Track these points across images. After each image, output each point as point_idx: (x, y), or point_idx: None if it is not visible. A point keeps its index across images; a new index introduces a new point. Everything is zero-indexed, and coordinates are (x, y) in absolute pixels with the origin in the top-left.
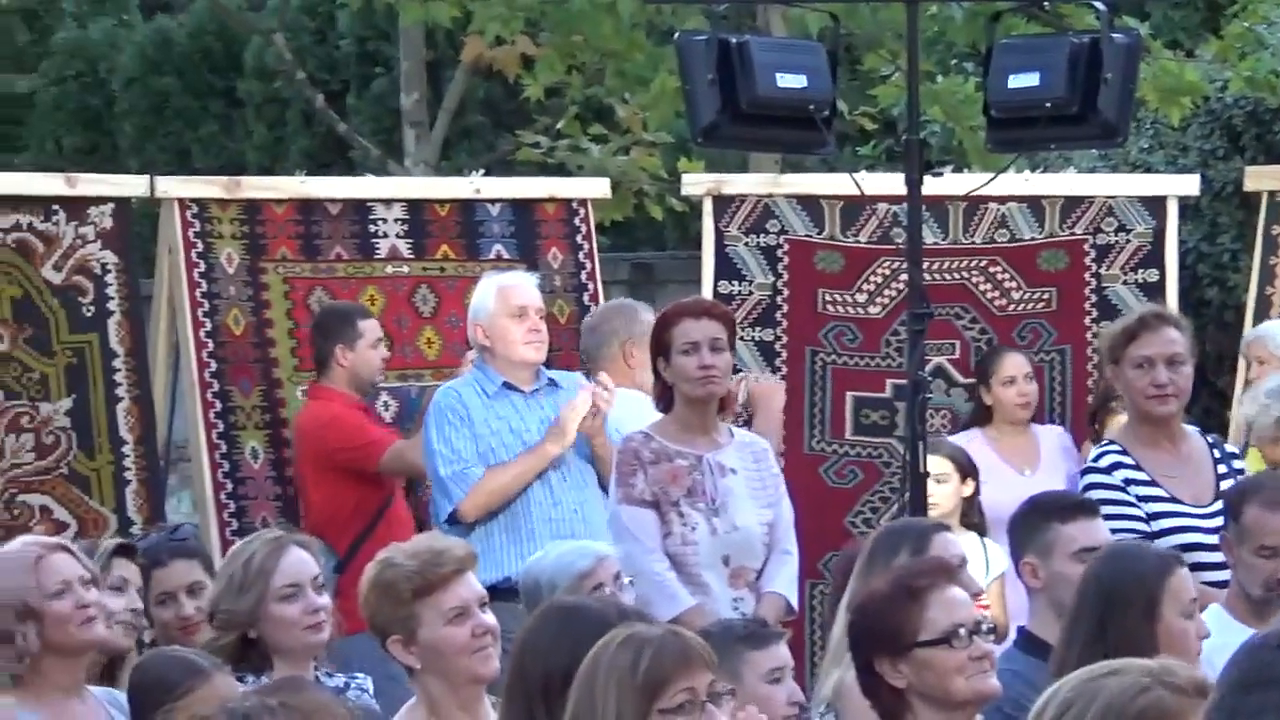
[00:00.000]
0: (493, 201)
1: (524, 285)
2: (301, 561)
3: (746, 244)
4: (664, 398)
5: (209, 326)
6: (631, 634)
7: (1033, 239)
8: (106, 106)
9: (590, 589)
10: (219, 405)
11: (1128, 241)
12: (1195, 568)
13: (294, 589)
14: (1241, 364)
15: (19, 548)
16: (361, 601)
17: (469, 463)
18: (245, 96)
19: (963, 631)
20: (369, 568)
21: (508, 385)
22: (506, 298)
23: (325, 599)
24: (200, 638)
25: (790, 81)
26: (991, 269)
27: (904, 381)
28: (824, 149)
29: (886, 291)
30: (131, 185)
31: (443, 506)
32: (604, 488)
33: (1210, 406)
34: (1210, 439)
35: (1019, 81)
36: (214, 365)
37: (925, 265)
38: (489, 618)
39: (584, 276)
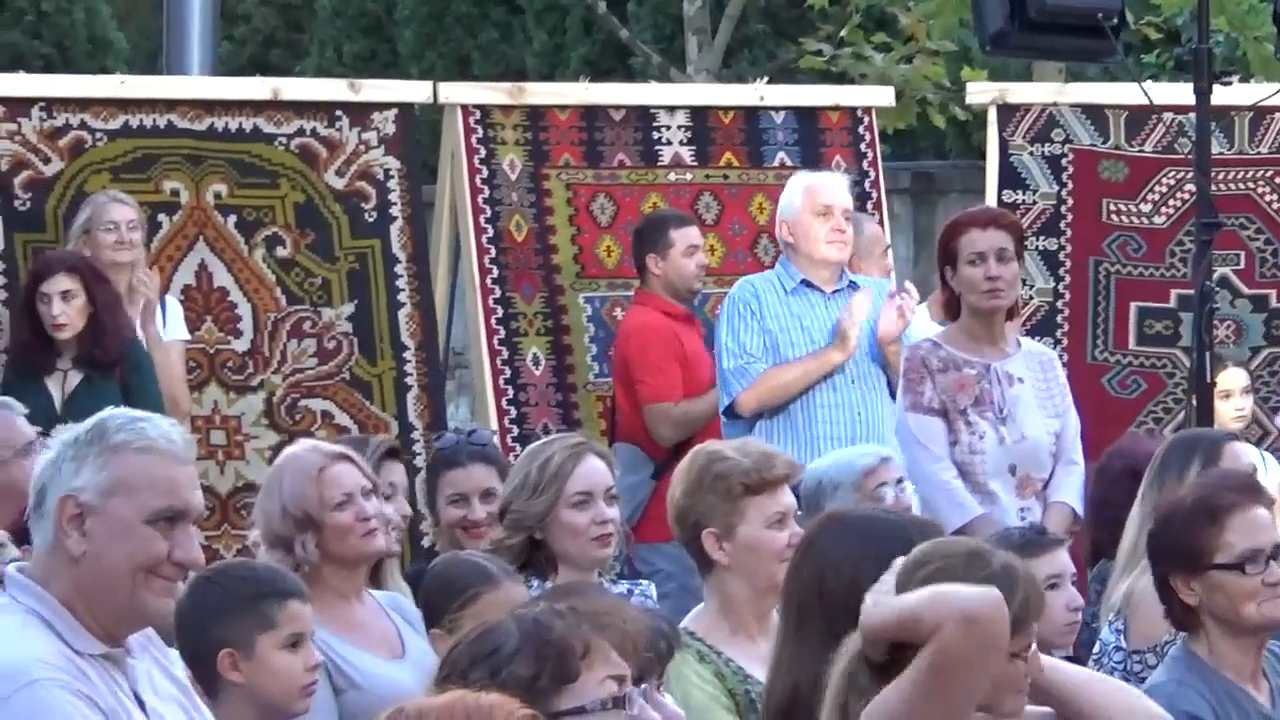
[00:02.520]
0: (776, 109)
1: (833, 185)
2: (597, 471)
3: (1031, 153)
4: (951, 306)
5: (491, 233)
6: (1009, 567)
7: None
8: (387, 13)
9: (873, 488)
10: (500, 311)
11: None
12: None
13: (586, 497)
14: None
15: (302, 454)
16: (680, 492)
17: (753, 357)
18: (525, 3)
19: (1260, 557)
20: (690, 459)
21: (807, 283)
22: (813, 195)
23: (614, 511)
24: (482, 544)
25: None
26: (1278, 179)
27: (1189, 292)
28: (1112, 58)
29: (1171, 201)
30: (415, 91)
31: (722, 398)
32: (894, 394)
33: None
34: None
35: None
36: (495, 271)
37: (1211, 175)
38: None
39: (867, 185)
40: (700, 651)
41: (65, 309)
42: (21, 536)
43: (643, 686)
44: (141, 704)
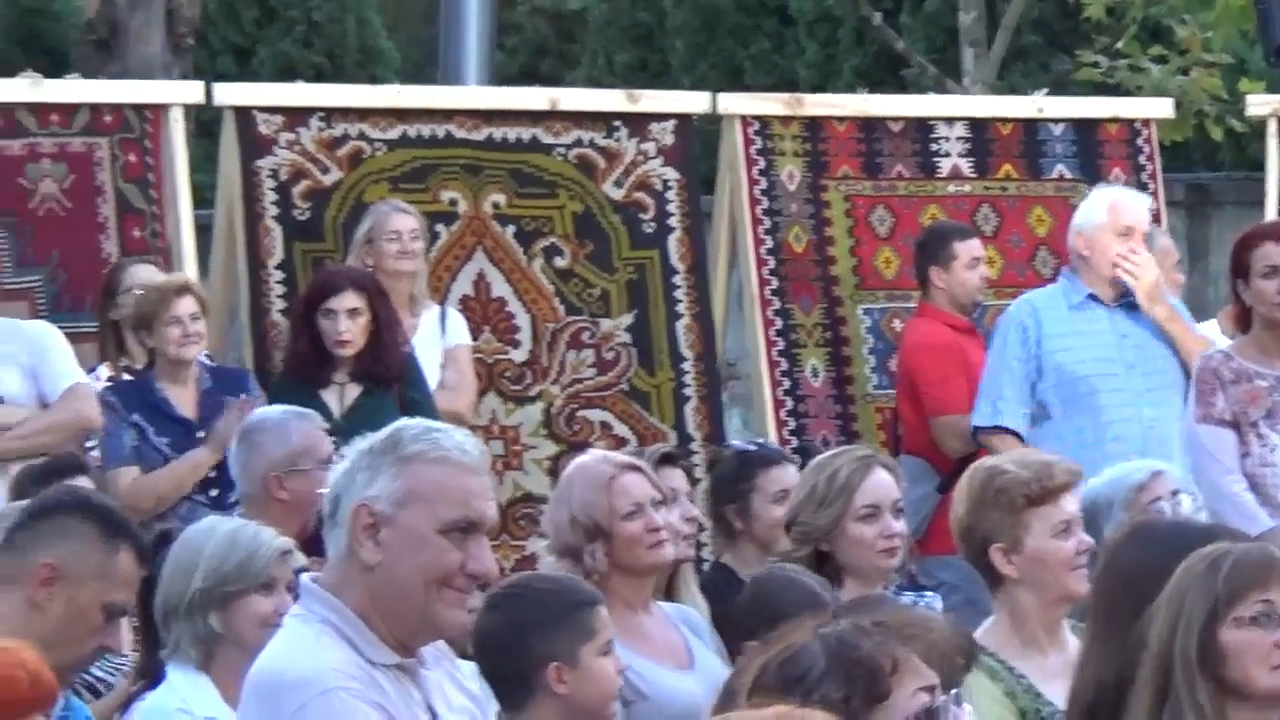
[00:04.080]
0: (1055, 121)
1: (1136, 205)
2: (884, 483)
3: None
4: (1242, 319)
5: (770, 244)
6: (1219, 544)
7: None
8: (658, 23)
9: (1147, 503)
10: (779, 323)
11: None
12: None
13: (873, 510)
14: None
15: (593, 464)
16: (963, 510)
17: (1012, 374)
18: (797, 14)
19: None
20: (970, 475)
21: (1093, 297)
22: (1117, 214)
23: (901, 524)
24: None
25: None
26: None
27: None
28: None
29: None
30: (693, 102)
31: (981, 411)
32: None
33: None
34: None
35: None
36: (774, 283)
37: None
38: (1088, 537)
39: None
40: (992, 668)
41: (351, 326)
42: (310, 547)
43: (953, 692)
44: (434, 715)
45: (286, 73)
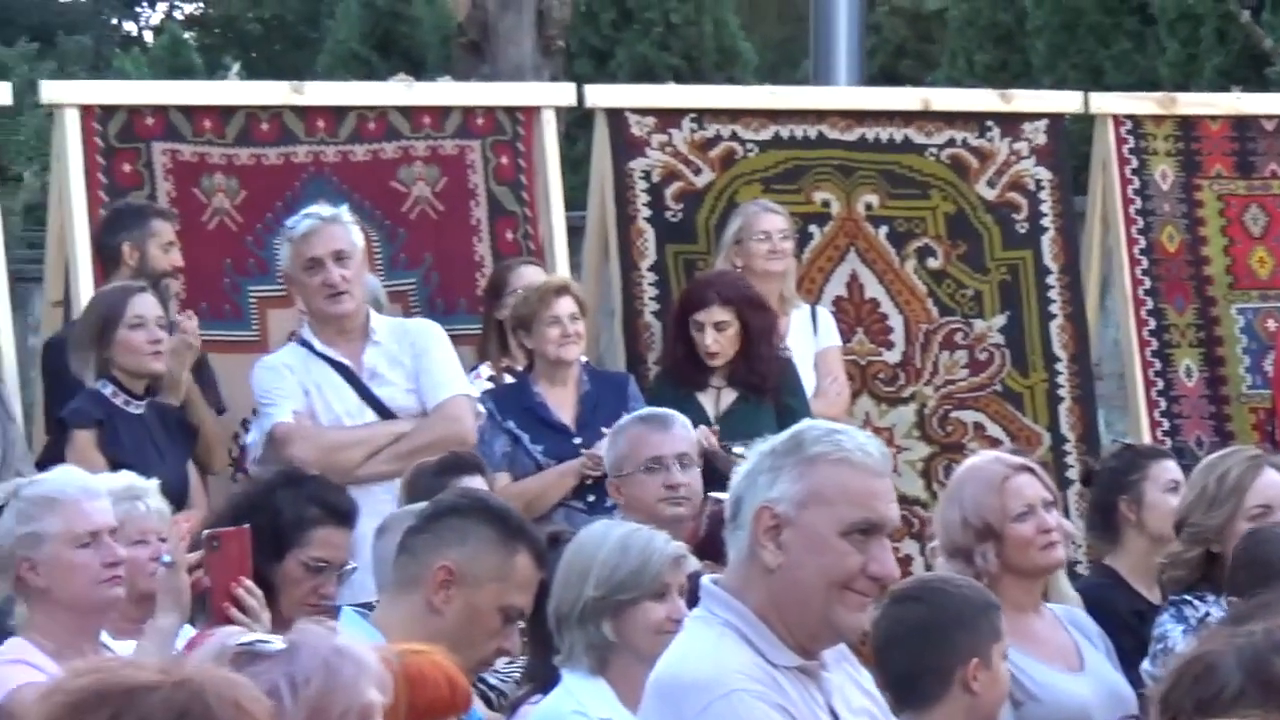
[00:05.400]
0: None
1: None
2: (1275, 484)
3: None
4: None
5: (1143, 244)
6: None
7: None
8: (1018, 23)
9: None
10: (1152, 323)
11: None
12: None
13: (1265, 509)
14: None
15: (985, 464)
16: None
17: None
18: (1159, 12)
19: None
20: None
21: None
22: None
23: None
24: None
25: None
26: None
27: None
28: None
29: None
30: (1064, 101)
31: None
32: None
33: None
34: None
35: None
36: (1148, 283)
37: None
38: None
39: None
40: None
41: (719, 339)
42: (702, 550)
43: None
44: (835, 717)
45: (644, 74)
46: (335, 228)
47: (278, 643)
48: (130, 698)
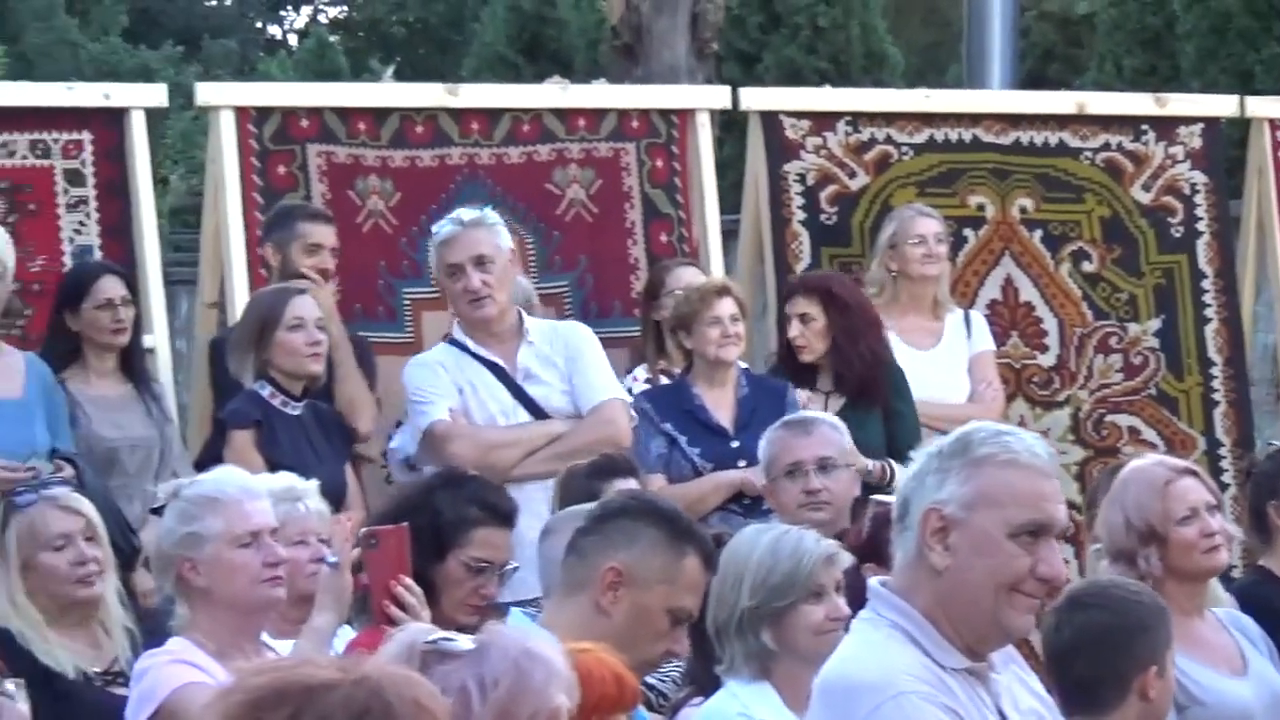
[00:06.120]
0: None
1: None
2: None
3: None
4: None
5: None
6: None
7: None
8: (1167, 27)
9: None
10: None
11: None
12: None
13: None
14: None
15: (1149, 467)
16: None
17: None
18: None
19: None
20: None
21: None
22: None
23: None
24: None
25: None
26: None
27: None
28: None
29: None
30: (1219, 105)
31: None
32: None
33: None
34: None
35: None
36: None
37: None
38: None
39: None
40: None
41: (803, 331)
42: (864, 552)
43: None
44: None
45: (792, 78)
46: (476, 232)
47: (466, 642)
48: (310, 696)
